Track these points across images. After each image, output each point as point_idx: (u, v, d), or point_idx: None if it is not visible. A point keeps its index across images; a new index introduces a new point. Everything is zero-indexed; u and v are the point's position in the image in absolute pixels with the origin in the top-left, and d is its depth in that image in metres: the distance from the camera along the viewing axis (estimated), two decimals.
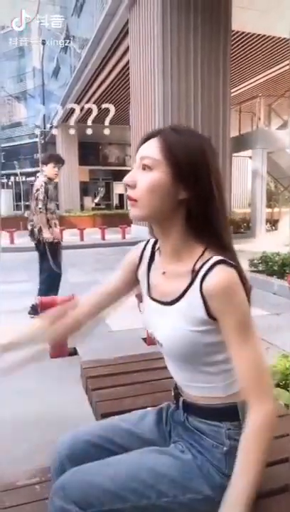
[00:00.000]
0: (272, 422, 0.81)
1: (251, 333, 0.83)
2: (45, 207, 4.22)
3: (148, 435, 1.01)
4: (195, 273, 0.86)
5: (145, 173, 0.86)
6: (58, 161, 4.40)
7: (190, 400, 0.94)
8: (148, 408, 1.08)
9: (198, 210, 0.85)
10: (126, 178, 0.88)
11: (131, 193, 0.87)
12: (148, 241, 1.05)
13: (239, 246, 7.60)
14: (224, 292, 0.81)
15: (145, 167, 0.86)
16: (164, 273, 0.94)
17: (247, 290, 0.86)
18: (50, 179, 4.35)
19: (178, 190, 0.85)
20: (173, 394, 1.01)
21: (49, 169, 4.34)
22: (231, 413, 0.89)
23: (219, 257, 0.84)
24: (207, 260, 0.85)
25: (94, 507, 0.84)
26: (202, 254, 0.87)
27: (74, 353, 3.27)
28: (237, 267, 0.84)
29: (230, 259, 0.86)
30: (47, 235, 4.28)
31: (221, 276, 0.82)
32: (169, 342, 0.91)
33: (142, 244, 1.06)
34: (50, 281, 4.36)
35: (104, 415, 1.25)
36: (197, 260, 0.87)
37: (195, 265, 0.86)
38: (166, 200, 0.85)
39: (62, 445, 1.00)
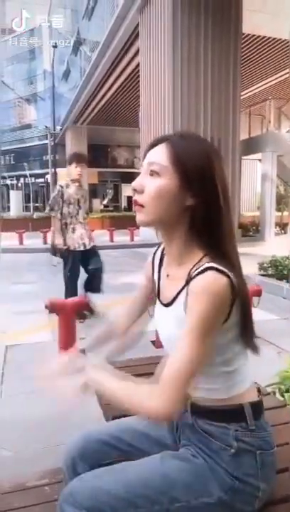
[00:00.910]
0: (149, 413, 0.84)
1: (197, 341, 0.80)
2: (60, 211, 4.07)
3: (159, 436, 1.02)
4: (189, 278, 0.86)
5: (153, 178, 0.87)
6: (79, 159, 4.14)
7: (197, 402, 0.94)
8: None
9: (203, 217, 0.85)
10: (134, 184, 0.89)
11: (138, 198, 0.88)
12: (158, 246, 1.07)
13: (248, 249, 7.62)
14: (198, 292, 0.81)
15: (153, 173, 0.87)
16: (168, 276, 0.96)
17: (245, 297, 0.86)
18: (73, 180, 4.13)
19: (185, 197, 0.85)
20: None
21: (71, 170, 4.12)
22: (237, 414, 0.89)
23: (213, 264, 0.83)
24: (201, 266, 0.85)
25: None
26: (199, 261, 0.87)
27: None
28: (229, 276, 0.81)
29: (229, 267, 0.84)
30: (58, 240, 4.13)
31: (205, 279, 0.81)
32: (167, 343, 0.94)
33: (154, 250, 1.09)
34: (66, 287, 4.24)
35: (115, 418, 1.24)
36: (194, 266, 0.87)
37: (191, 270, 0.87)
38: (173, 206, 0.86)
39: (74, 444, 1.01)
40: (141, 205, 0.88)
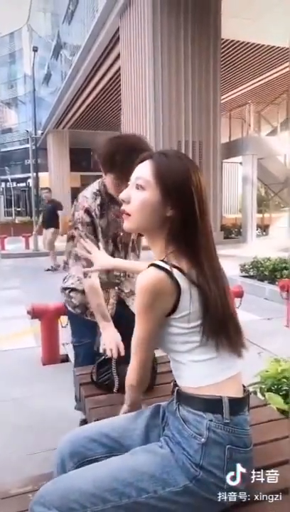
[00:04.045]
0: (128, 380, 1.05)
1: (139, 327, 0.96)
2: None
3: (143, 430, 1.05)
4: None
5: (138, 191, 0.98)
6: (123, 165, 1.62)
7: (181, 390, 0.98)
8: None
9: (180, 226, 0.95)
10: (122, 195, 1.02)
11: (125, 207, 1.01)
12: None
13: (230, 251, 7.67)
14: (136, 287, 0.93)
15: (138, 186, 0.98)
16: None
17: (208, 296, 0.93)
18: (111, 197, 1.88)
19: (165, 208, 0.96)
20: (172, 384, 1.05)
21: (107, 182, 1.81)
22: (215, 406, 0.92)
23: (157, 262, 0.93)
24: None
25: (75, 510, 0.88)
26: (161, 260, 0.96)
27: (66, 359, 3.26)
28: (170, 272, 0.90)
29: (193, 267, 0.93)
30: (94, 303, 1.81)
31: (142, 275, 0.93)
32: None
33: None
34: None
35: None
36: None
37: None
38: (154, 216, 0.97)
39: (64, 443, 1.06)
40: (128, 214, 1.00)
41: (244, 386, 1.01)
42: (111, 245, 1.86)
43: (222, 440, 0.90)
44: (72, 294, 1.89)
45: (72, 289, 1.89)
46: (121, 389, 1.35)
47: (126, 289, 1.97)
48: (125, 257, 1.90)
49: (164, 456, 0.92)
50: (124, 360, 1.38)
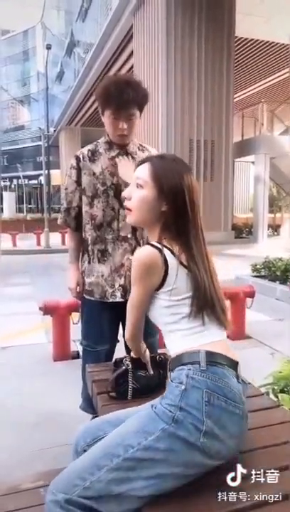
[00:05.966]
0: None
1: (133, 294, 1.13)
2: (73, 215, 1.92)
3: None
4: None
5: (138, 190, 1.14)
6: (120, 102, 1.72)
7: (172, 356, 1.11)
8: None
9: (173, 220, 1.10)
10: (124, 193, 1.19)
11: (127, 203, 1.17)
12: None
13: (241, 251, 7.59)
14: (133, 258, 1.10)
15: (138, 185, 1.14)
16: None
17: (198, 277, 1.06)
18: (109, 144, 1.85)
19: (161, 204, 1.11)
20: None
21: (106, 123, 1.82)
22: (193, 357, 1.04)
23: (152, 242, 1.09)
24: None
25: (78, 486, 0.96)
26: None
27: (77, 356, 3.27)
28: (161, 250, 1.05)
29: (182, 252, 1.08)
30: (71, 279, 1.97)
31: (137, 252, 1.10)
32: None
33: None
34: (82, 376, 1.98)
35: None
36: None
37: None
38: (152, 211, 1.12)
39: (82, 427, 1.18)
40: (130, 209, 1.16)
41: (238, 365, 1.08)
42: (116, 201, 1.80)
43: (199, 385, 1.00)
44: (85, 278, 1.90)
45: (84, 272, 1.91)
46: (135, 395, 1.37)
47: None
48: (119, 214, 1.82)
49: (147, 413, 1.02)
50: (139, 367, 1.40)
